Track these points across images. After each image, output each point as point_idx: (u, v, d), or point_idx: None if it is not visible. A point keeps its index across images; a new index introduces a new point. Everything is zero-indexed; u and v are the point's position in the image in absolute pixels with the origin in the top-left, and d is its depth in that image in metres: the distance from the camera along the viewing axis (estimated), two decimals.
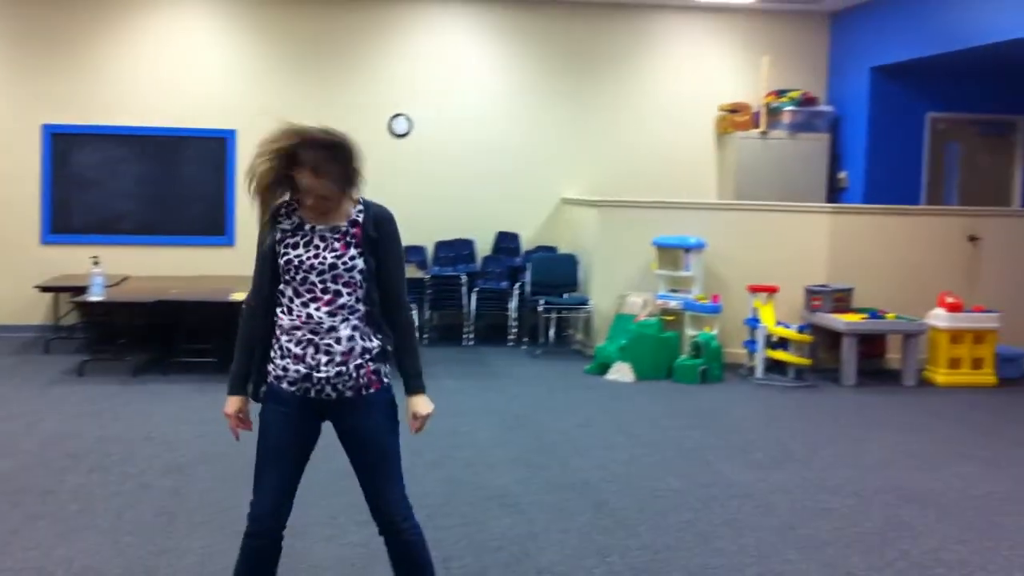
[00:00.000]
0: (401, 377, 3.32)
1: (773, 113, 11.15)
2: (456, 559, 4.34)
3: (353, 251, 3.19)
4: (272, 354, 3.23)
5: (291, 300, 3.18)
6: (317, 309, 3.15)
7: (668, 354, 8.74)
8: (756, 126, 11.20)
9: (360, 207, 3.29)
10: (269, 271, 3.21)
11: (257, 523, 3.21)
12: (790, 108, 11.10)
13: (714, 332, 8.90)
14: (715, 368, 8.63)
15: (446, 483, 5.50)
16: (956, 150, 10.98)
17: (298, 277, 3.16)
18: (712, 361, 8.62)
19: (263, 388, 3.29)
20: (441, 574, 4.19)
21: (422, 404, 3.38)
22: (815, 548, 4.65)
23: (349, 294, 3.17)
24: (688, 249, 9.24)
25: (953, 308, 8.77)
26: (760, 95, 11.24)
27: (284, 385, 3.21)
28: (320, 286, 3.15)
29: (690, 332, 9.12)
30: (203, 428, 6.63)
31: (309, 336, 3.16)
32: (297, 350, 3.17)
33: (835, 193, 11.21)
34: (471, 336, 10.43)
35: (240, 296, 8.59)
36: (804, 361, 8.68)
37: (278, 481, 3.25)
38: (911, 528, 4.96)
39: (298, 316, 3.16)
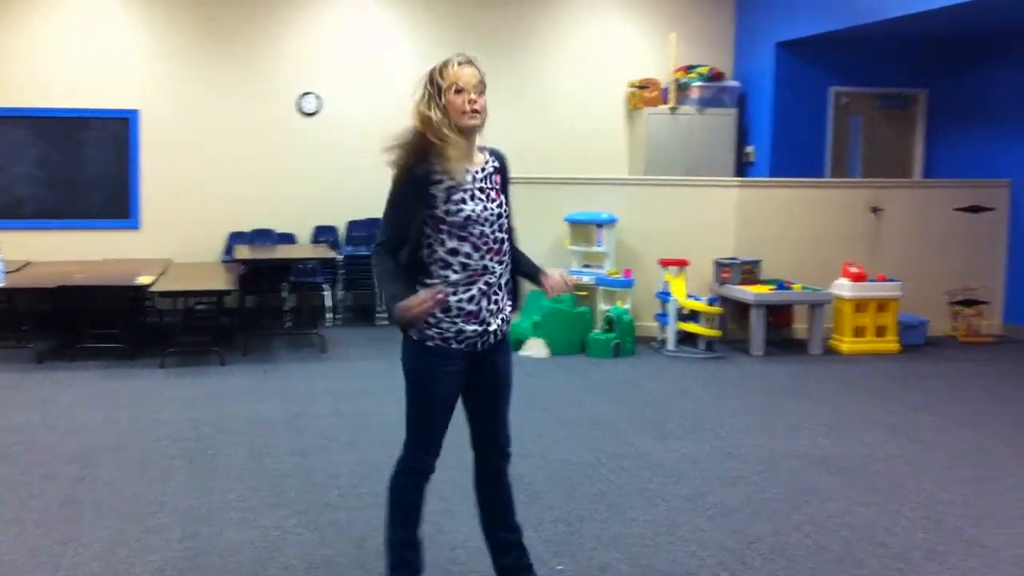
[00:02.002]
0: (531, 276, 3.58)
1: (682, 89, 11.25)
2: (370, 539, 4.32)
3: (501, 196, 3.42)
4: (435, 318, 3.32)
5: (468, 256, 3.31)
6: (491, 260, 3.34)
7: (581, 329, 8.80)
8: (665, 102, 11.29)
9: (486, 150, 3.46)
10: (414, 219, 3.30)
11: (430, 466, 3.51)
12: (698, 84, 11.21)
13: (626, 306, 8.98)
14: (628, 342, 8.72)
15: (360, 463, 5.48)
16: (859, 123, 11.19)
17: (475, 231, 3.31)
18: (625, 335, 8.70)
19: (429, 343, 3.38)
20: (354, 554, 4.19)
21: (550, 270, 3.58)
22: (724, 515, 4.73)
23: (507, 240, 3.41)
24: (600, 225, 9.30)
25: (857, 278, 8.98)
26: (669, 71, 11.33)
27: (453, 345, 3.35)
28: (492, 236, 3.33)
29: (603, 307, 9.19)
30: (109, 415, 6.50)
31: (483, 288, 3.32)
32: (471, 307, 3.33)
33: (743, 167, 11.37)
34: (385, 316, 10.38)
35: (147, 279, 8.43)
36: (714, 333, 8.81)
37: (445, 430, 3.51)
38: (817, 493, 5.07)
39: (475, 271, 3.32)
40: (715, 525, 4.60)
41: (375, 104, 10.92)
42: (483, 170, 3.40)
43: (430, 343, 3.36)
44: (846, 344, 8.94)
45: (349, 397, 7.08)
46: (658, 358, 8.66)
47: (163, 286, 8.43)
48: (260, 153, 10.74)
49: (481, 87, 3.33)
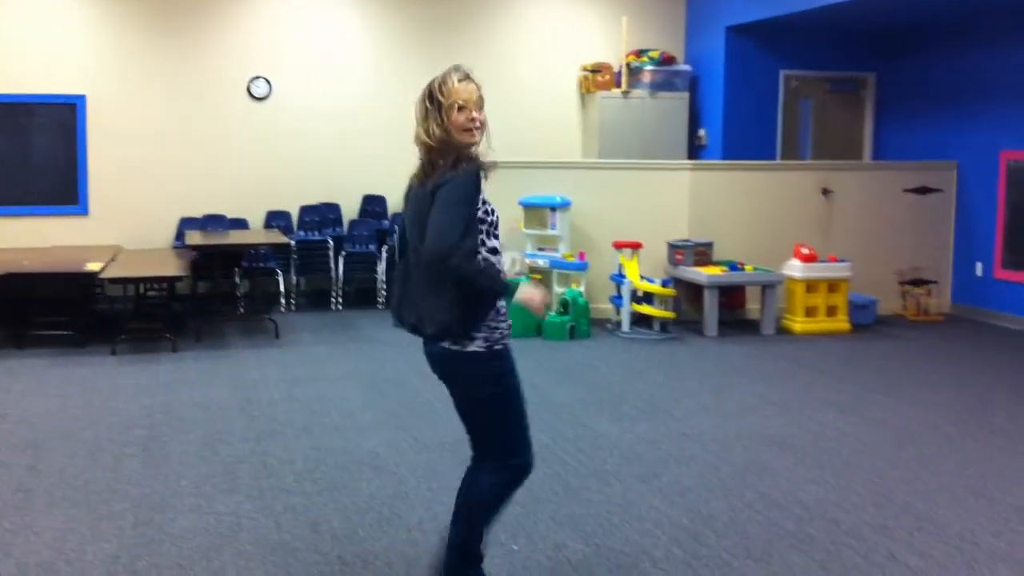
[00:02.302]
0: None
1: (634, 73, 11.28)
2: (325, 522, 4.32)
3: None
4: (492, 316, 3.34)
5: (499, 259, 3.39)
6: (499, 260, 3.41)
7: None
8: (618, 86, 11.32)
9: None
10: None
11: (532, 463, 3.48)
12: (650, 68, 11.25)
13: (581, 289, 9.01)
14: (583, 324, 8.75)
15: (315, 449, 5.46)
16: (809, 107, 11.29)
17: (498, 233, 3.39)
18: (580, 317, 8.73)
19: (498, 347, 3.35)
20: (310, 538, 4.18)
21: None
22: (678, 494, 4.78)
23: None
24: (554, 208, 9.31)
25: (808, 259, 9.07)
26: (621, 55, 11.36)
27: (510, 341, 3.40)
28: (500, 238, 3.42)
29: (558, 289, 9.22)
30: (60, 403, 6.42)
31: None
32: (502, 304, 3.36)
33: (695, 150, 11.44)
34: (340, 301, 10.34)
35: (97, 266, 8.33)
36: (668, 314, 8.87)
37: None
38: (770, 471, 5.13)
39: (500, 272, 3.37)
40: (669, 504, 4.64)
41: (326, 89, 10.87)
42: None
43: (498, 346, 3.35)
44: (798, 324, 9.04)
45: (303, 383, 7.04)
46: (613, 340, 8.71)
47: (114, 272, 8.33)
48: (210, 138, 10.63)
49: (481, 102, 3.38)
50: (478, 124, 3.35)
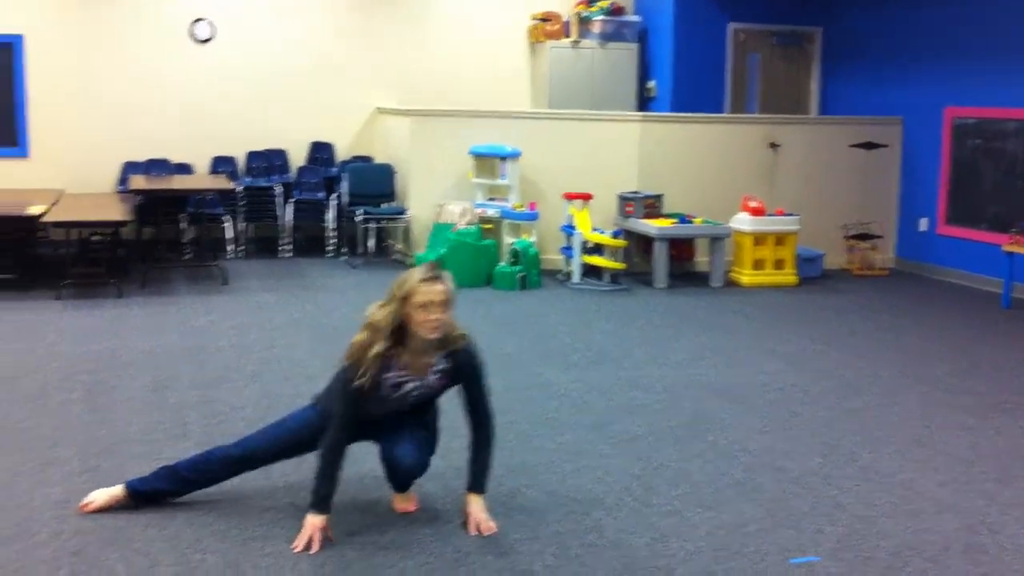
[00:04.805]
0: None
1: (583, 22, 11.22)
2: (277, 469, 4.29)
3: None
4: None
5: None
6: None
7: (487, 262, 8.81)
8: (567, 35, 11.25)
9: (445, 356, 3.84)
10: None
11: None
12: (600, 18, 11.18)
13: (531, 239, 9.00)
14: (533, 275, 8.76)
15: (264, 396, 5.43)
16: (756, 60, 11.31)
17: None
18: (530, 268, 8.73)
19: None
20: (262, 483, 4.15)
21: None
22: (628, 442, 4.82)
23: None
24: (504, 158, 9.27)
25: (756, 212, 9.14)
26: (570, 4, 11.28)
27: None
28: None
29: (508, 240, 9.20)
30: (3, 347, 6.33)
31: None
32: None
33: (644, 102, 11.42)
34: (288, 248, 10.24)
35: (39, 209, 8.14)
36: (618, 266, 8.90)
37: None
38: (719, 421, 5.19)
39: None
40: (620, 452, 4.69)
41: (272, 32, 10.69)
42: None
43: None
44: (746, 277, 9.11)
45: (252, 329, 6.98)
46: (563, 291, 8.73)
47: (57, 216, 8.16)
48: (154, 80, 10.41)
49: (449, 304, 3.60)
50: (437, 324, 3.58)
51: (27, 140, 10.14)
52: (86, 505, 3.84)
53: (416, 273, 3.58)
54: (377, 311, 3.61)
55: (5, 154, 10.10)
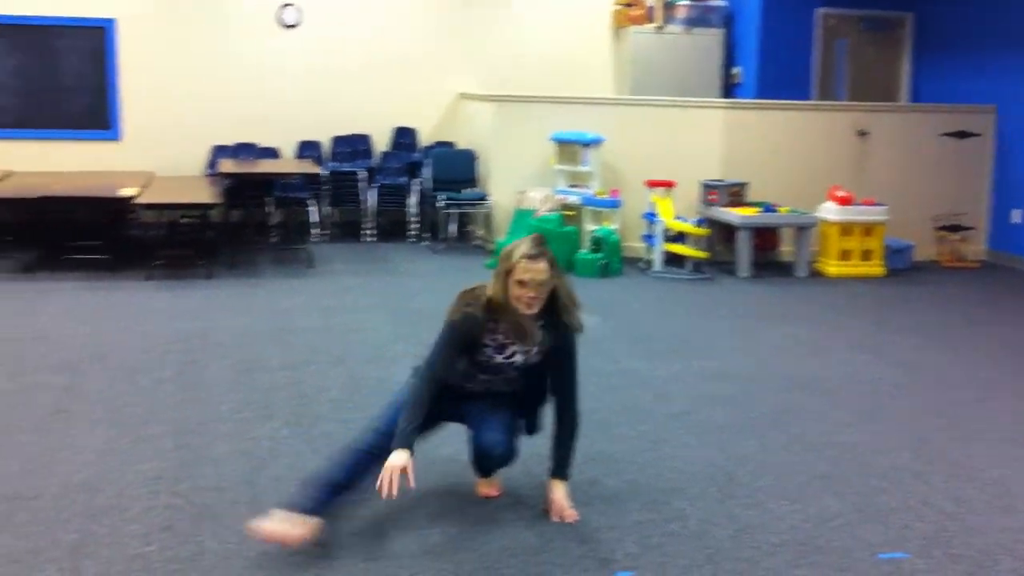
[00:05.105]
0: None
1: (668, 7, 11.12)
2: None
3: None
4: None
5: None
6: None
7: (568, 249, 8.80)
8: (651, 20, 11.16)
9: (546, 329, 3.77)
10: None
11: None
12: (684, 3, 11.07)
13: (613, 227, 8.97)
14: (615, 262, 8.73)
15: (349, 378, 5.49)
16: (844, 46, 11.11)
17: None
18: (611, 255, 8.70)
19: None
20: None
21: None
22: (711, 433, 4.78)
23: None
24: (586, 144, 9.24)
25: (843, 201, 8.98)
26: None
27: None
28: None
29: (590, 227, 9.18)
30: (96, 326, 6.48)
31: None
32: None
33: (729, 89, 11.29)
34: (372, 233, 10.34)
35: (131, 191, 8.33)
36: (701, 254, 8.82)
37: None
38: (804, 413, 5.12)
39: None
40: (702, 442, 4.65)
41: (359, 18, 10.77)
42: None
43: None
44: (832, 267, 8.97)
45: (337, 312, 7.07)
46: (645, 279, 8.68)
47: (148, 198, 8.35)
48: (241, 65, 10.57)
49: (548, 283, 3.53)
50: (533, 302, 3.54)
51: (119, 123, 10.37)
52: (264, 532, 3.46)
53: (521, 247, 3.51)
54: (492, 284, 3.57)
55: (98, 137, 10.35)
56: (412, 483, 3.43)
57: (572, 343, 3.73)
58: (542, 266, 3.49)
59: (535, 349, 3.69)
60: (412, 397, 3.58)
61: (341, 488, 3.54)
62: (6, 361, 5.64)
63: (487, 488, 3.98)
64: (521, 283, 3.48)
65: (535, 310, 3.56)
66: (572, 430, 3.80)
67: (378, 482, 3.41)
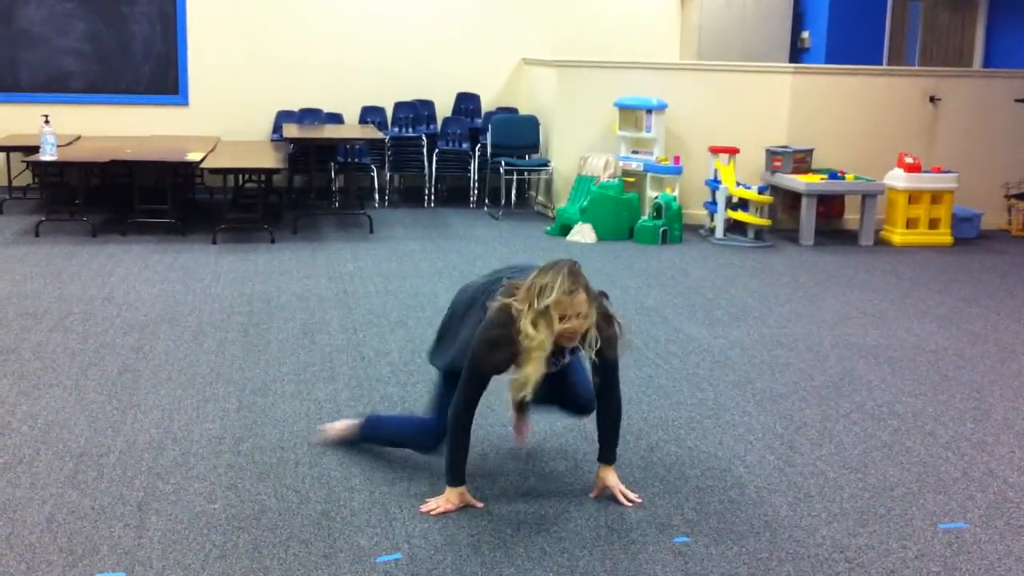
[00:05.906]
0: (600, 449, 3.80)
1: None
2: (419, 412, 4.38)
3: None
4: None
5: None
6: None
7: (629, 215, 8.76)
8: None
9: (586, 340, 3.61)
10: None
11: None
12: None
13: (675, 193, 8.90)
14: (675, 229, 8.67)
15: (408, 341, 5.54)
16: (917, 9, 10.87)
17: None
18: (673, 222, 8.65)
19: None
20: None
21: None
22: (771, 401, 4.76)
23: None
24: (649, 110, 9.16)
25: (911, 169, 8.83)
26: None
27: None
28: None
29: (651, 193, 9.12)
30: (163, 288, 6.59)
31: None
32: None
33: (797, 53, 11.12)
34: (432, 198, 10.37)
35: (197, 156, 8.44)
36: (763, 221, 8.73)
37: None
38: (866, 382, 5.07)
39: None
40: (762, 410, 4.63)
41: None
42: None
43: None
44: (898, 236, 8.83)
45: (398, 277, 7.12)
46: (706, 246, 8.62)
47: (213, 163, 8.46)
48: (306, 31, 10.64)
49: (590, 314, 3.39)
50: (573, 335, 3.41)
51: (187, 88, 10.50)
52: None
53: (556, 284, 3.31)
54: (533, 331, 3.34)
55: (167, 102, 10.50)
56: (479, 504, 3.60)
57: (607, 334, 3.53)
58: (581, 297, 3.34)
59: (566, 359, 3.62)
60: (452, 438, 3.54)
61: (391, 440, 4.01)
62: (76, 323, 5.77)
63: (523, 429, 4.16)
64: (564, 319, 3.33)
65: (576, 342, 3.46)
66: (617, 413, 3.68)
67: (431, 503, 3.57)
